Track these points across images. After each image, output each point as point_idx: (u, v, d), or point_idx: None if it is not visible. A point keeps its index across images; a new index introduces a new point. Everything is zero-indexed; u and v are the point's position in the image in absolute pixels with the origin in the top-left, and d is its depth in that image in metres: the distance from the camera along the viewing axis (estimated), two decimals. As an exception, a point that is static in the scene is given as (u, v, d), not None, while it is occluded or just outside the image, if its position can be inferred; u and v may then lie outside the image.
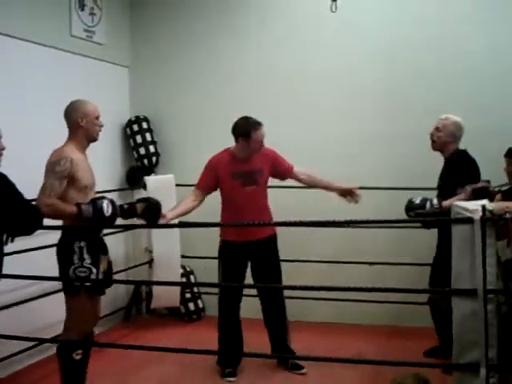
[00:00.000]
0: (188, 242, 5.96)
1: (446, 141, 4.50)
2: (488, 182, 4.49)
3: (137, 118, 6.21)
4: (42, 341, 4.67)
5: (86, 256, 3.70)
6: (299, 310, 5.47)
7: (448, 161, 4.52)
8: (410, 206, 4.36)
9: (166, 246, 5.80)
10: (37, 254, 4.59)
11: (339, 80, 5.84)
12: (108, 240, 5.54)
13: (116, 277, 5.74)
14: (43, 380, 4.58)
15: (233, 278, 4.62)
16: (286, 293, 4.86)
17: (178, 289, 5.88)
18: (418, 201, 4.34)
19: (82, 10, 5.59)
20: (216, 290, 5.58)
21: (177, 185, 5.80)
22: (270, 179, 4.73)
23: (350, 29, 5.79)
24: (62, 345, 3.80)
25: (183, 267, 6.05)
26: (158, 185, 5.80)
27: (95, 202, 3.67)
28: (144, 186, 5.86)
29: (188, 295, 6.06)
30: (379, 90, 5.73)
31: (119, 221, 3.86)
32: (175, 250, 5.88)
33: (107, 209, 3.68)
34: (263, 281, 4.64)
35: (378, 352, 4.91)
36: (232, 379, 4.56)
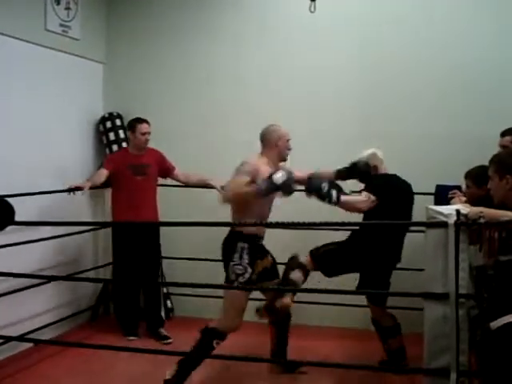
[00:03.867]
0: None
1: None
2: (459, 187, 4.55)
3: (110, 114, 6.13)
4: (9, 339, 4.59)
5: (245, 256, 4.17)
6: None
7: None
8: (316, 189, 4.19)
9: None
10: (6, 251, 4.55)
11: (317, 80, 5.86)
12: (77, 238, 5.59)
13: (84, 275, 5.73)
14: (12, 377, 4.51)
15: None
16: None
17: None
18: (325, 189, 4.15)
19: (58, 4, 5.50)
20: (186, 291, 5.57)
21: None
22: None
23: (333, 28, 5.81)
24: (210, 329, 4.17)
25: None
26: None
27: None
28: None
29: (157, 295, 6.00)
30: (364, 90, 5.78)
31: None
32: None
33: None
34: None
35: (347, 355, 4.94)
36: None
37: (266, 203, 4.28)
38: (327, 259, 4.39)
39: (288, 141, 4.45)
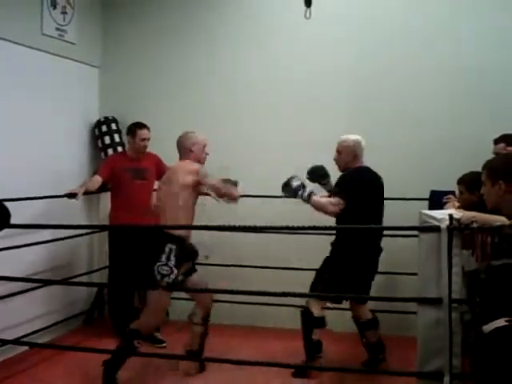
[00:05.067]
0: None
1: (347, 161, 4.60)
2: (453, 192, 4.57)
3: (106, 118, 6.14)
4: (4, 342, 4.60)
5: (172, 258, 4.18)
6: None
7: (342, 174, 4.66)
8: (287, 186, 4.48)
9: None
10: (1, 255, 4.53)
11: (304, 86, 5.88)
12: (72, 242, 5.58)
13: (79, 279, 5.72)
14: (7, 380, 4.52)
15: None
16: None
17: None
18: (294, 184, 4.45)
19: (54, 8, 5.52)
20: (180, 295, 5.57)
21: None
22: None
23: (325, 36, 5.82)
24: (133, 331, 4.31)
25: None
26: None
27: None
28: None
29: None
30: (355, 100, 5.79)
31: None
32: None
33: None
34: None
35: (339, 358, 4.95)
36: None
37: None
38: (328, 289, 4.41)
39: (204, 146, 4.54)
